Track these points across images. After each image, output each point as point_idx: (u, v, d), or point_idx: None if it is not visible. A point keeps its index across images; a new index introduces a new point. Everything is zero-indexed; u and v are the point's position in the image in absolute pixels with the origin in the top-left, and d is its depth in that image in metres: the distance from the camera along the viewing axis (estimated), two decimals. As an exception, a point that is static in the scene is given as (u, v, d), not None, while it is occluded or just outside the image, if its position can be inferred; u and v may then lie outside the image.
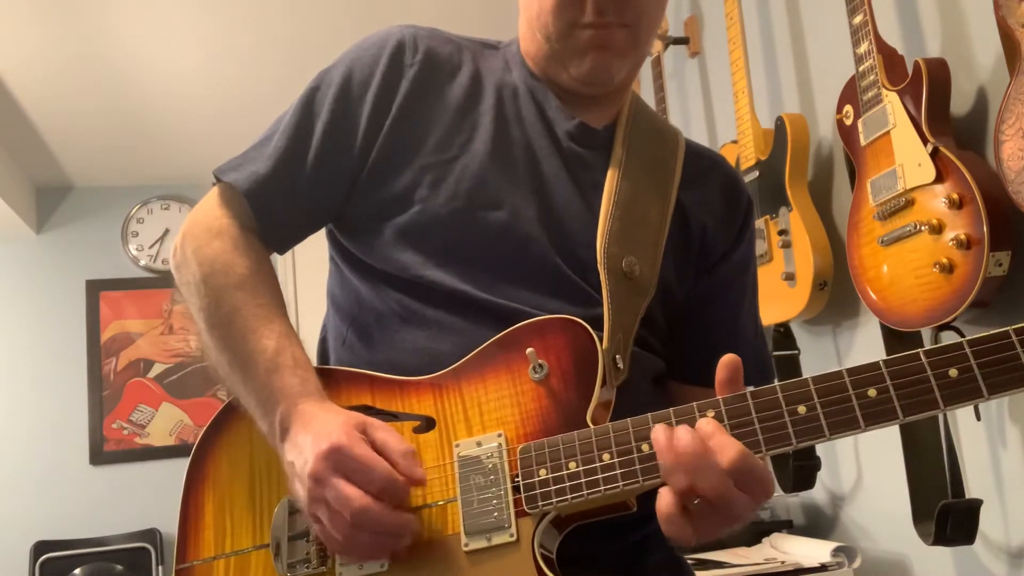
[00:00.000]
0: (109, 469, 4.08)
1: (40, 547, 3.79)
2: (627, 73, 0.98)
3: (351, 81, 0.95)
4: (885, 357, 0.70)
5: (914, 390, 0.69)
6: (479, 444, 0.82)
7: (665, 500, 0.72)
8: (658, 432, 0.73)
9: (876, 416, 0.69)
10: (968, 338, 0.68)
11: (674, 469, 0.71)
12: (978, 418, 1.47)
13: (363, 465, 0.76)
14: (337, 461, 0.76)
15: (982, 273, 1.33)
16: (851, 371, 0.71)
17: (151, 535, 3.88)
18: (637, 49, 0.96)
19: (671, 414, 0.75)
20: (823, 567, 1.69)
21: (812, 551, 1.75)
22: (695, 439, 0.71)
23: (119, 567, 3.81)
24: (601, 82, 0.96)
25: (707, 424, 0.72)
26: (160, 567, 3.84)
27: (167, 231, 4.36)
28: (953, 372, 0.68)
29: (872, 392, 0.69)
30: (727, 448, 0.70)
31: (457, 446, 0.83)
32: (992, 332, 0.67)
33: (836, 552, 1.70)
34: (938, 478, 1.52)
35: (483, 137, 0.94)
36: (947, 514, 1.46)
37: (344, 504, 0.75)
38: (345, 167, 0.94)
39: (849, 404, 0.70)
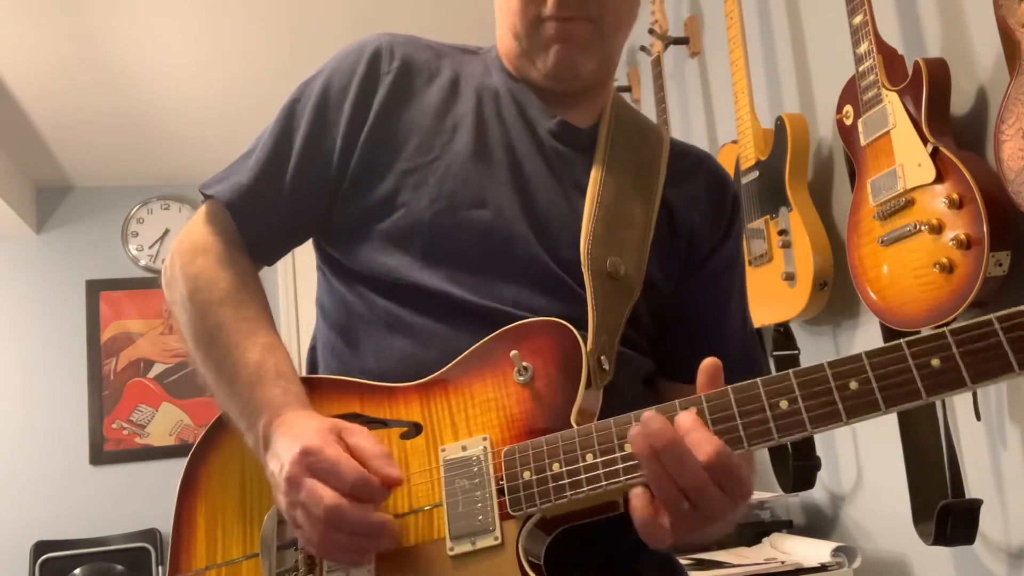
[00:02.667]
0: (109, 469, 4.08)
1: (40, 547, 3.79)
2: (597, 68, 0.97)
3: (329, 91, 0.97)
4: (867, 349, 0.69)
5: (896, 381, 0.67)
6: (464, 448, 0.82)
7: (639, 498, 0.72)
8: (635, 429, 0.73)
9: (858, 408, 0.68)
10: (951, 327, 0.67)
11: (652, 463, 0.70)
12: (978, 418, 1.47)
13: (333, 465, 0.76)
14: (309, 463, 0.76)
15: (982, 273, 1.33)
16: (833, 364, 0.70)
17: (151, 535, 3.89)
18: (603, 42, 0.95)
19: (653, 412, 0.75)
20: (823, 567, 1.69)
21: (812, 551, 1.75)
22: (674, 434, 0.70)
23: (119, 567, 3.81)
24: (567, 76, 0.96)
25: (686, 419, 0.72)
26: (160, 567, 3.84)
27: (167, 231, 4.37)
28: (935, 362, 0.66)
29: (854, 384, 0.69)
30: (705, 443, 0.69)
31: (443, 450, 0.83)
32: (975, 320, 0.66)
33: (836, 552, 1.70)
34: (938, 478, 1.52)
35: (464, 138, 0.94)
36: (947, 514, 1.46)
37: (316, 504, 0.75)
38: (326, 176, 0.95)
39: (831, 397, 0.69)
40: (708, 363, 0.75)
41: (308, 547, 0.79)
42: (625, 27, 0.98)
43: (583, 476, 0.76)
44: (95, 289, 4.24)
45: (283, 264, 4.22)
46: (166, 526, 4.05)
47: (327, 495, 0.75)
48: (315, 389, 0.89)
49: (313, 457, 0.76)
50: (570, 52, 0.94)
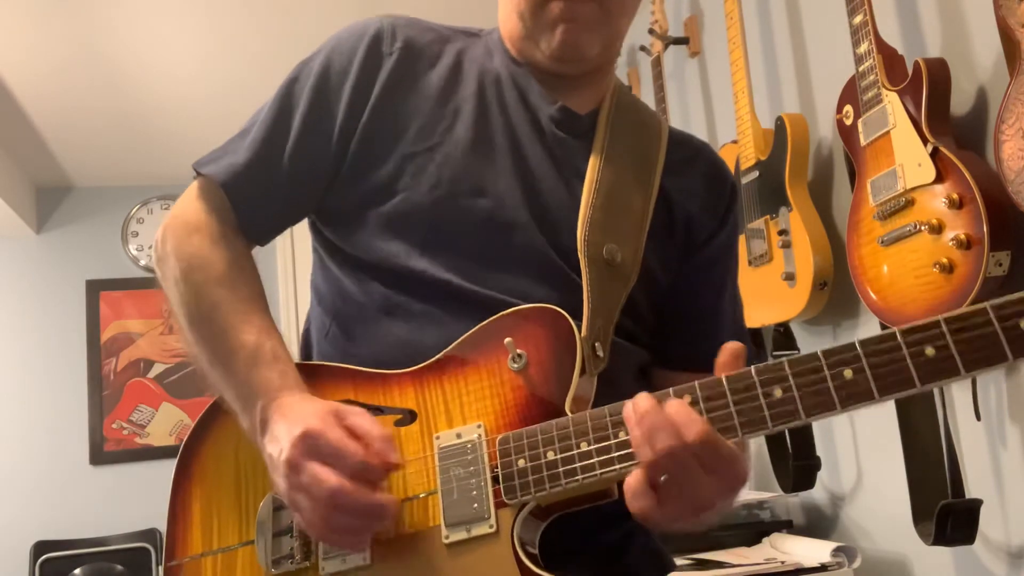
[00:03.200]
0: (109, 469, 4.08)
1: (40, 547, 3.79)
2: (601, 51, 0.97)
3: (329, 72, 0.96)
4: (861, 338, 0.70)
5: (890, 369, 0.68)
6: (459, 436, 0.82)
7: (633, 475, 0.72)
8: (628, 408, 0.73)
9: (852, 397, 0.68)
10: (945, 315, 0.67)
11: (642, 442, 0.71)
12: (978, 418, 1.47)
13: (335, 448, 0.76)
14: (310, 446, 0.76)
15: (982, 273, 1.33)
16: (827, 352, 0.70)
17: (151, 535, 3.88)
18: (608, 23, 0.95)
19: (645, 394, 0.75)
20: (823, 567, 1.69)
21: (812, 551, 1.75)
22: (661, 414, 0.71)
23: (119, 567, 3.81)
24: (572, 57, 0.95)
25: (674, 403, 0.72)
26: (160, 567, 3.84)
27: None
28: (930, 350, 0.66)
29: (848, 373, 0.69)
30: (692, 424, 0.70)
31: (437, 438, 0.83)
32: (970, 308, 0.66)
33: (836, 552, 1.70)
34: (938, 478, 1.52)
35: (465, 124, 0.94)
36: (947, 514, 1.46)
37: (318, 486, 0.75)
38: (323, 158, 0.94)
39: (825, 385, 0.69)
40: (731, 347, 0.74)
41: (309, 530, 0.79)
42: (629, 11, 0.98)
43: (577, 464, 0.76)
44: (95, 289, 4.23)
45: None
46: (166, 526, 4.04)
47: (330, 477, 0.75)
48: (309, 375, 0.89)
49: (314, 440, 0.76)
50: (575, 33, 0.93)
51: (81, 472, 4.04)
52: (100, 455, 4.08)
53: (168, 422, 4.19)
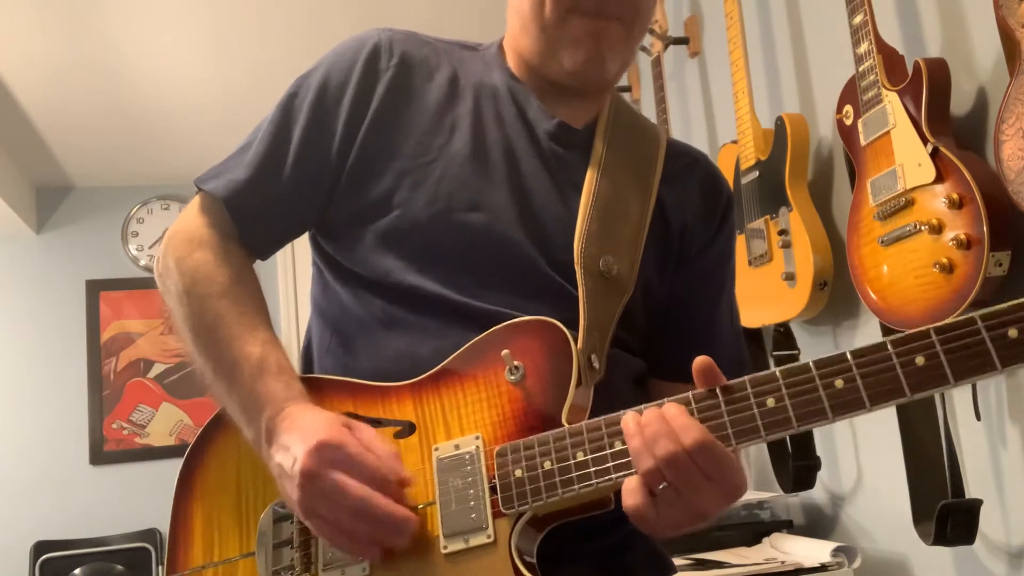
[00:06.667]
0: (109, 469, 4.08)
1: (40, 547, 3.79)
2: (618, 70, 0.98)
3: (328, 86, 0.96)
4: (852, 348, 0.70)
5: (881, 379, 0.69)
6: (457, 447, 0.82)
7: (631, 482, 0.73)
8: (627, 418, 0.74)
9: (843, 407, 0.70)
10: (935, 325, 0.68)
11: (641, 451, 0.72)
12: (978, 418, 1.47)
13: (356, 458, 0.77)
14: (328, 456, 0.77)
15: (982, 273, 1.33)
16: (818, 363, 0.71)
17: (151, 535, 3.88)
18: (628, 44, 0.96)
19: (642, 410, 0.76)
20: (823, 567, 1.69)
21: (812, 551, 1.75)
22: (660, 419, 0.72)
23: (119, 567, 3.81)
24: (593, 76, 0.96)
25: (672, 407, 0.73)
26: (160, 567, 3.84)
27: (167, 231, 4.36)
28: (920, 360, 0.68)
29: (839, 383, 0.70)
30: (690, 429, 0.71)
31: (436, 449, 0.83)
32: (958, 319, 0.67)
33: (836, 552, 1.70)
34: (938, 478, 1.52)
35: (462, 139, 0.94)
36: (947, 514, 1.46)
37: (343, 495, 0.75)
38: (323, 172, 0.95)
39: (816, 395, 0.70)
40: (700, 363, 0.75)
41: (331, 539, 0.79)
42: (646, 30, 0.99)
43: (574, 474, 0.77)
44: (95, 289, 4.23)
45: (283, 259, 4.22)
46: (166, 526, 4.02)
47: (354, 486, 0.75)
48: (310, 389, 0.89)
49: (332, 450, 0.77)
50: (601, 50, 0.93)
51: (81, 472, 4.04)
52: (100, 455, 4.08)
53: (168, 422, 4.19)
